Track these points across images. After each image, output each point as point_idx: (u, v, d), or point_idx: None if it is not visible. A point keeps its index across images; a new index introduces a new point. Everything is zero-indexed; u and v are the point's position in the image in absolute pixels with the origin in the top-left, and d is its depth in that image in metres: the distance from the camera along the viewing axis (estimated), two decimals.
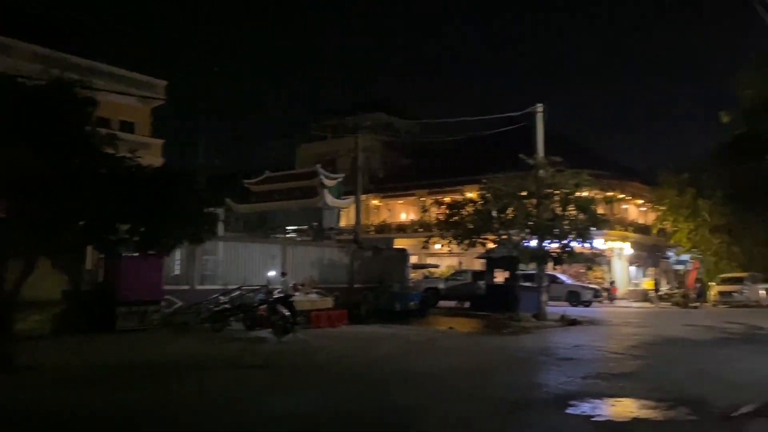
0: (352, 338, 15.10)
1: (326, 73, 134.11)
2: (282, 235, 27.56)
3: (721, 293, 33.63)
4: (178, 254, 16.91)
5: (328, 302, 18.00)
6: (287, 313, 14.17)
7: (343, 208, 30.83)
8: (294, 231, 30.04)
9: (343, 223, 33.66)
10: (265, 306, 14.93)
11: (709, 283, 34.72)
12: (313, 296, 17.88)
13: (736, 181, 16.61)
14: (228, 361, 11.28)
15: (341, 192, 29.88)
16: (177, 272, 17.76)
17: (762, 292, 36.54)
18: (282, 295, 14.81)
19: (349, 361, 11.73)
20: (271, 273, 17.20)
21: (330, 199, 28.22)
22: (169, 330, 15.40)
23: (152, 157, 24.16)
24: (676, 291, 35.00)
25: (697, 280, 34.49)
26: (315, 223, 28.42)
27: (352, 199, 28.42)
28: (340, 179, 29.93)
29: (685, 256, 37.47)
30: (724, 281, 34.52)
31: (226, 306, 16.05)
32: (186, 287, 17.53)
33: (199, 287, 17.73)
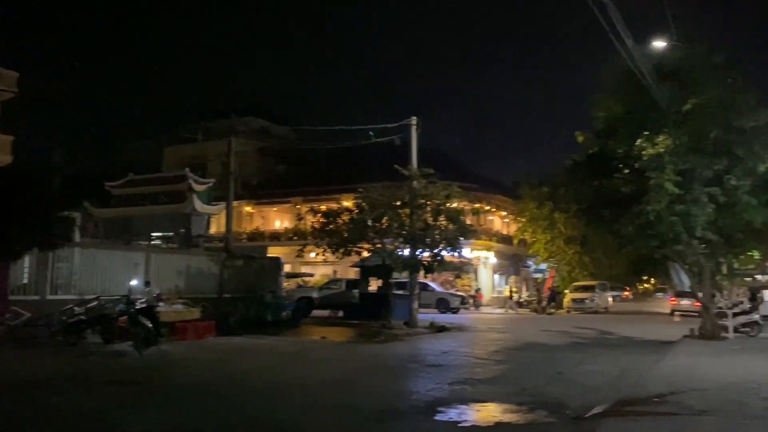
0: (220, 350, 14.53)
1: (199, 72, 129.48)
2: (146, 242, 26.08)
3: (574, 300, 36.33)
4: (27, 261, 15.43)
5: (195, 313, 17.21)
6: (150, 325, 13.34)
7: (214, 214, 29.77)
8: (160, 238, 28.57)
9: (213, 231, 32.52)
10: (125, 317, 13.97)
11: (565, 291, 37.41)
12: (179, 307, 17.01)
13: (588, 196, 17.88)
14: (78, 377, 10.34)
15: (212, 198, 28.84)
16: (25, 281, 16.17)
17: (610, 299, 39.83)
18: (145, 305, 13.94)
19: (213, 375, 11.22)
20: (134, 282, 16.14)
21: (199, 205, 27.13)
22: (14, 344, 13.95)
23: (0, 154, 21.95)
24: (533, 298, 37.36)
25: (550, 288, 37.07)
26: (183, 230, 27.20)
27: (223, 205, 27.48)
28: (210, 184, 28.89)
29: (543, 265, 40.15)
30: (577, 289, 37.35)
31: (82, 317, 14.82)
32: (36, 297, 15.99)
33: (51, 297, 16.23)
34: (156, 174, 33.29)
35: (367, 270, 23.70)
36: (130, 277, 17.15)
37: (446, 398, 8.75)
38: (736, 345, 15.79)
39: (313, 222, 22.93)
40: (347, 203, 23.55)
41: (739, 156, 15.72)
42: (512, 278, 46.09)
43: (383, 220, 20.78)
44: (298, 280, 30.85)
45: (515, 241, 41.90)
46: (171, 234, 27.98)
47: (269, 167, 46.83)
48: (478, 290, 38.03)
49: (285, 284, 26.43)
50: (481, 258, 41.06)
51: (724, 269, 24.09)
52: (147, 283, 16.02)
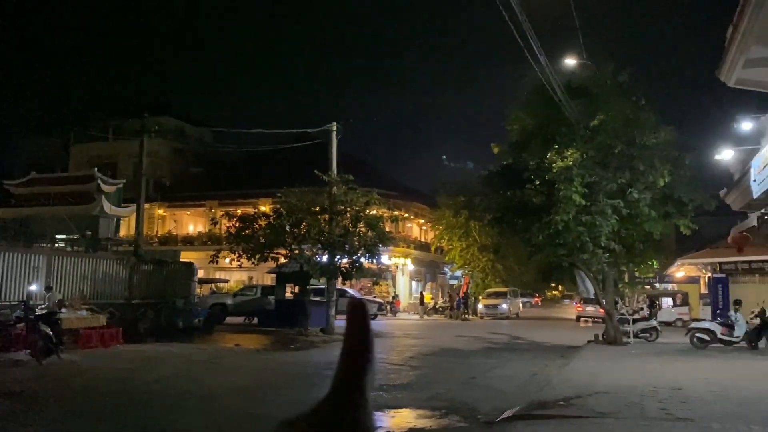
0: (125, 359, 13.89)
1: (110, 69, 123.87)
2: (49, 245, 24.62)
3: (486, 306, 37.34)
4: None
5: (101, 319, 16.38)
6: (50, 333, 12.57)
7: (124, 216, 28.47)
8: (64, 240, 27.04)
9: (123, 234, 31.12)
10: (23, 324, 13.10)
11: (479, 297, 38.39)
12: (83, 313, 16.13)
13: (502, 205, 18.48)
14: None
15: (121, 199, 27.59)
16: None
17: (521, 305, 41.16)
18: (45, 311, 13.14)
19: (115, 385, 10.69)
20: (33, 287, 15.17)
21: (108, 207, 25.86)
22: None
23: None
24: (448, 305, 38.13)
25: (464, 294, 37.99)
26: (89, 232, 25.84)
27: (133, 207, 26.33)
28: (120, 185, 27.63)
29: (459, 272, 41.04)
30: (490, 295, 38.41)
31: None
32: None
33: None
34: (61, 173, 31.54)
35: (283, 276, 23.37)
36: (29, 281, 16.12)
37: None
38: (636, 350, 16.70)
39: (228, 226, 22.41)
40: (265, 208, 23.21)
41: (641, 170, 16.69)
42: (429, 285, 46.84)
43: (302, 226, 20.60)
44: (212, 286, 30.05)
45: (432, 249, 42.59)
46: (77, 236, 26.54)
47: (184, 169, 45.36)
48: (395, 297, 38.36)
49: (198, 290, 25.66)
50: (399, 265, 41.47)
51: (626, 277, 25.50)
52: (48, 288, 15.13)
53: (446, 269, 45.06)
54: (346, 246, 20.53)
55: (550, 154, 17.15)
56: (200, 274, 27.97)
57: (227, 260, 22.33)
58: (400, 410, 8.54)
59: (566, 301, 68.49)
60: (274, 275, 24.64)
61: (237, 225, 21.26)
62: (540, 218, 17.04)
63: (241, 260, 21.09)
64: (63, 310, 14.68)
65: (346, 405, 0.47)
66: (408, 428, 7.50)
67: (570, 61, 18.02)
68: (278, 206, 21.06)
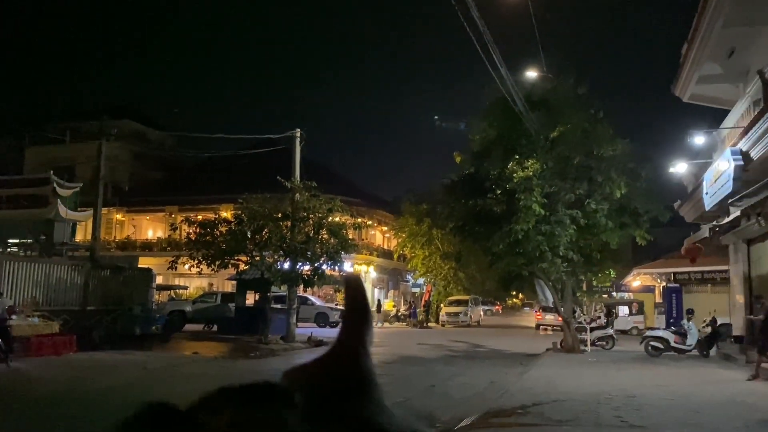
0: (78, 367, 13.51)
1: (68, 69, 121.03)
2: (0, 249, 23.86)
3: (448, 314, 37.58)
4: None
5: (54, 327, 15.93)
6: None
7: (80, 221, 27.76)
8: (17, 245, 26.25)
9: (79, 238, 30.37)
10: None
11: (441, 305, 38.61)
12: (35, 320, 15.68)
13: (464, 214, 18.65)
14: None
15: (78, 203, 26.92)
16: None
17: (482, 313, 41.47)
18: None
19: (64, 394, 10.35)
20: None
21: (64, 211, 25.19)
22: None
23: None
24: (408, 312, 38.30)
25: (426, 302, 38.17)
26: (43, 237, 25.13)
27: (90, 211, 25.72)
28: (77, 189, 26.95)
29: (421, 280, 41.22)
30: (451, 303, 38.67)
31: None
32: None
33: None
34: (16, 176, 30.59)
35: (244, 283, 23.09)
36: None
37: None
38: (592, 357, 17.01)
39: (188, 232, 22.05)
40: (226, 214, 22.91)
41: (599, 182, 17.06)
42: (392, 292, 46.90)
43: (263, 233, 20.41)
44: (171, 292, 29.53)
45: (395, 256, 42.67)
46: (30, 241, 25.77)
47: (144, 173, 44.53)
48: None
49: (156, 297, 25.17)
50: (362, 272, 41.45)
51: (584, 286, 25.96)
52: None
53: (409, 277, 45.21)
54: (308, 253, 20.40)
55: (511, 164, 17.39)
56: (159, 280, 27.44)
57: (187, 266, 21.94)
58: None
59: (526, 309, 69.41)
60: (234, 282, 24.33)
61: (197, 231, 20.93)
62: (501, 227, 17.25)
63: (201, 267, 20.75)
64: (13, 317, 14.25)
65: (351, 353, 0.50)
66: None
67: (531, 74, 18.36)
68: (239, 212, 20.82)
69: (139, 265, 29.00)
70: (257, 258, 20.60)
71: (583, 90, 18.34)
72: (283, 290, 21.99)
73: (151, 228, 43.65)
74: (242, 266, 21.35)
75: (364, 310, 0.52)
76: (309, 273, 20.87)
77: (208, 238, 20.55)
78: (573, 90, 18.34)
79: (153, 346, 17.87)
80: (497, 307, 68.16)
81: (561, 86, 18.36)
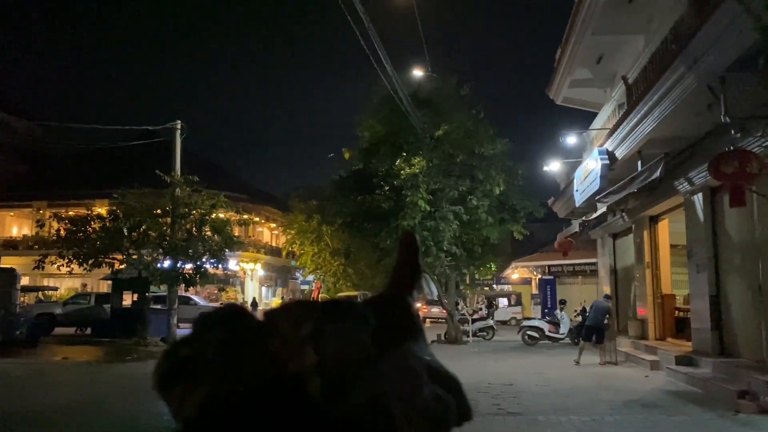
0: None
1: None
2: None
3: None
4: None
5: None
6: None
7: None
8: None
9: None
10: None
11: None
12: None
13: (352, 210, 18.72)
14: None
15: None
16: None
17: None
18: None
19: None
20: None
21: None
22: None
23: None
24: None
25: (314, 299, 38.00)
26: None
27: None
28: None
29: (310, 277, 40.95)
30: None
31: None
32: None
33: None
34: None
35: (120, 283, 21.79)
36: None
37: None
38: (474, 348, 17.66)
39: (57, 229, 20.51)
40: (100, 209, 21.54)
41: (480, 179, 17.71)
42: (280, 290, 46.26)
43: (141, 229, 19.38)
44: (39, 294, 27.42)
45: (284, 253, 42.08)
46: None
47: (7, 166, 40.88)
48: (243, 303, 37.41)
49: (22, 299, 23.23)
50: (249, 270, 40.54)
51: (468, 279, 26.90)
52: None
53: (298, 274, 44.80)
54: (190, 251, 19.59)
55: (398, 161, 17.66)
56: (25, 281, 25.38)
57: (57, 266, 20.40)
58: None
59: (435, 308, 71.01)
60: (110, 282, 22.94)
61: (68, 227, 19.51)
62: (388, 223, 17.48)
63: (72, 266, 19.37)
64: None
65: (403, 298, 0.51)
66: None
67: (417, 73, 18.72)
68: (114, 208, 19.65)
69: (2, 265, 26.71)
70: (134, 256, 19.53)
71: (465, 91, 18.96)
72: (163, 290, 21.02)
73: (16, 225, 40.28)
74: (118, 265, 20.18)
75: (416, 264, 0.53)
76: (191, 272, 20.07)
77: (80, 235, 19.21)
78: (456, 90, 18.91)
79: (17, 352, 16.45)
80: None
81: (445, 86, 18.88)
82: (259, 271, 41.93)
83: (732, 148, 8.65)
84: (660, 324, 14.64)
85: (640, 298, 15.26)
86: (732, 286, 10.74)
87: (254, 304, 36.15)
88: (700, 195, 11.42)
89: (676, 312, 14.62)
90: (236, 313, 0.47)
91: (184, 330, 21.59)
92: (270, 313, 0.47)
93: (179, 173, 20.53)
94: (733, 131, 8.51)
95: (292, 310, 0.46)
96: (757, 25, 4.22)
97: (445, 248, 17.64)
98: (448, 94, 18.64)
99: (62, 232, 19.80)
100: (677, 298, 14.90)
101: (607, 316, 13.77)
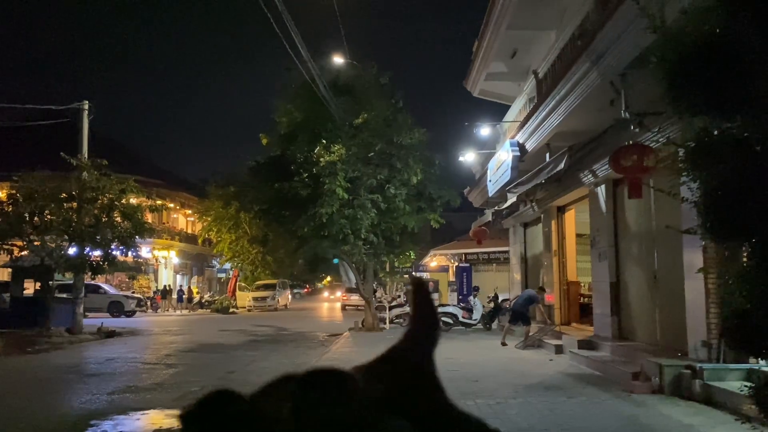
0: None
1: None
2: None
3: (255, 298, 37.15)
4: None
5: None
6: None
7: None
8: None
9: None
10: None
11: (248, 289, 37.98)
12: None
13: (270, 197, 18.43)
14: None
15: None
16: None
17: (290, 296, 41.49)
18: None
19: None
20: None
21: None
22: None
23: None
24: (217, 298, 37.13)
25: (233, 288, 37.37)
26: None
27: None
28: None
29: (227, 265, 40.16)
30: (259, 288, 38.27)
31: None
32: None
33: None
34: None
35: (21, 270, 20.59)
36: None
37: (102, 410, 8.05)
38: (390, 335, 17.86)
39: None
40: None
41: (398, 168, 17.85)
42: (196, 278, 45.11)
43: (44, 214, 18.36)
44: None
45: (200, 241, 41.01)
46: None
47: None
48: (157, 291, 36.23)
49: None
50: (162, 257, 39.27)
51: (387, 267, 27.15)
52: None
53: (215, 262, 43.82)
54: (97, 237, 18.74)
55: (318, 148, 17.50)
56: None
57: None
58: (147, 412, 8.02)
59: (338, 293, 71.14)
60: (9, 270, 21.61)
61: None
62: (306, 210, 17.33)
63: None
64: None
65: (418, 353, 0.49)
66: (152, 430, 7.07)
67: (338, 60, 18.59)
68: (14, 192, 18.50)
69: None
70: (37, 243, 18.50)
71: (385, 79, 19.02)
72: (69, 278, 20.04)
73: None
74: (18, 252, 19.06)
75: (433, 314, 0.50)
76: (99, 259, 19.22)
77: None
78: (376, 79, 18.94)
79: None
80: (306, 290, 68.90)
81: (365, 74, 18.86)
82: (174, 258, 40.70)
83: (631, 142, 9.13)
84: (566, 310, 15.33)
85: (548, 284, 15.90)
86: (630, 273, 11.37)
87: (165, 292, 35.10)
88: (603, 187, 12.00)
89: (581, 298, 15.34)
90: (220, 401, 0.44)
91: (93, 320, 20.75)
92: (254, 394, 0.45)
93: (86, 156, 19.58)
94: (632, 126, 8.95)
95: (273, 387, 0.44)
96: (652, 25, 4.44)
97: (363, 236, 17.70)
98: (367, 83, 18.63)
99: None
100: (582, 285, 15.64)
101: (532, 304, 14.22)
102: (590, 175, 12.11)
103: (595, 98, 9.36)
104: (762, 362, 6.46)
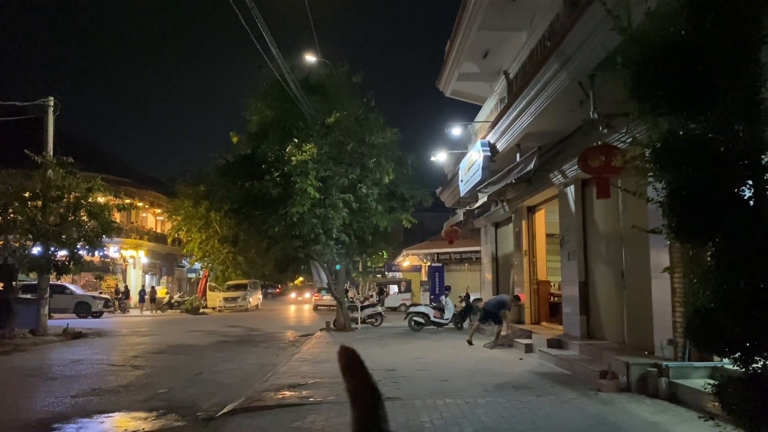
0: None
1: None
2: None
3: (226, 299, 36.77)
4: None
5: None
6: None
7: None
8: None
9: None
10: None
11: (218, 290, 37.54)
12: None
13: (240, 196, 18.21)
14: None
15: None
16: None
17: (260, 297, 41.11)
18: None
19: None
20: None
21: None
22: None
23: None
24: (187, 298, 36.64)
25: (203, 288, 36.92)
26: None
27: None
28: None
29: (197, 265, 39.65)
30: (230, 288, 37.88)
31: None
32: None
33: None
34: None
35: None
36: None
37: (66, 413, 7.86)
38: (362, 335, 17.82)
39: None
40: None
41: (370, 168, 17.82)
42: (165, 278, 44.45)
43: (8, 213, 17.91)
44: None
45: (169, 240, 40.41)
46: None
47: None
48: (125, 292, 35.62)
49: None
50: (130, 257, 38.62)
51: (360, 267, 27.09)
52: None
53: (185, 262, 43.23)
54: (63, 237, 18.34)
55: (289, 147, 17.37)
56: None
57: None
58: (111, 415, 7.85)
59: (306, 295, 70.80)
60: None
61: None
62: (277, 210, 17.19)
63: None
64: None
65: None
66: None
67: (309, 58, 18.49)
68: None
69: None
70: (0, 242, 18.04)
71: (357, 79, 18.96)
72: (33, 278, 19.58)
73: None
74: None
75: (371, 386, 0.48)
76: (64, 259, 18.81)
77: None
78: (348, 78, 18.87)
79: None
80: (277, 290, 68.40)
81: (337, 73, 18.78)
82: (143, 258, 40.07)
83: (599, 143, 9.23)
84: (536, 309, 15.46)
85: (518, 284, 16.02)
86: (599, 273, 11.51)
87: (127, 293, 34.58)
88: (572, 187, 12.12)
89: (551, 297, 15.47)
90: None
91: (59, 321, 20.29)
92: None
93: (52, 153, 19.15)
94: (600, 127, 9.05)
95: None
96: (618, 27, 4.48)
97: (334, 236, 17.63)
98: (339, 82, 18.57)
99: None
100: (552, 284, 15.79)
101: (502, 310, 14.27)
102: (560, 176, 12.22)
103: (565, 99, 9.44)
104: (725, 360, 6.58)
